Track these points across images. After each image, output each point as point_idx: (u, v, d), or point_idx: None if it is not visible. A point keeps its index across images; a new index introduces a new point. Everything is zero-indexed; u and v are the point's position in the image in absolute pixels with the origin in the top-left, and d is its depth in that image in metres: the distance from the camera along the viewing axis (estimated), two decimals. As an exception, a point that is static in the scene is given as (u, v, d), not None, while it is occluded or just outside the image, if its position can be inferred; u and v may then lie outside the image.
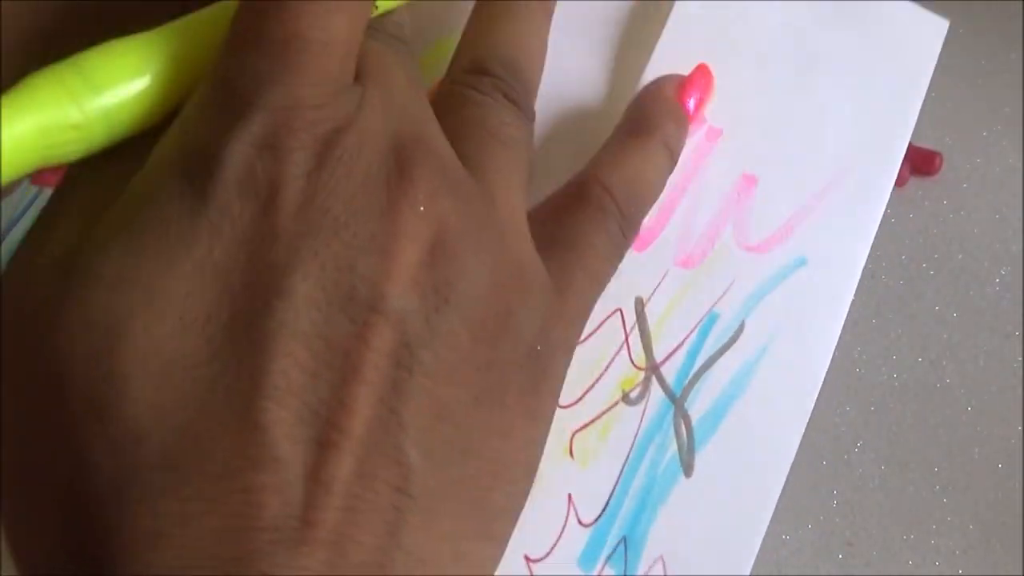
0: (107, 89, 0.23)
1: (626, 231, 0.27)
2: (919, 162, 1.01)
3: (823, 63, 0.34)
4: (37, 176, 0.39)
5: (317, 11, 0.22)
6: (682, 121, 0.30)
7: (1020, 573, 0.84)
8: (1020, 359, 0.91)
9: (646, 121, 0.30)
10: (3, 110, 0.21)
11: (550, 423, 0.24)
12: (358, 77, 0.24)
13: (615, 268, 0.27)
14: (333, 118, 0.22)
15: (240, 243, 0.21)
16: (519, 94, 0.27)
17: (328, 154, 0.22)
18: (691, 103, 0.31)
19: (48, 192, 0.68)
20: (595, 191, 0.27)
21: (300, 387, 0.20)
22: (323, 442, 0.20)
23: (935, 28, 0.34)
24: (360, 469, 0.20)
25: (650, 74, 0.33)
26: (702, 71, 0.32)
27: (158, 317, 0.21)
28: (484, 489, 0.22)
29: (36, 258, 0.23)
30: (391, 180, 0.22)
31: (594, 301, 0.26)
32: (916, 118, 0.34)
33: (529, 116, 0.27)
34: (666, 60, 0.34)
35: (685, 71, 0.31)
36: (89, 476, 0.20)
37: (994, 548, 0.82)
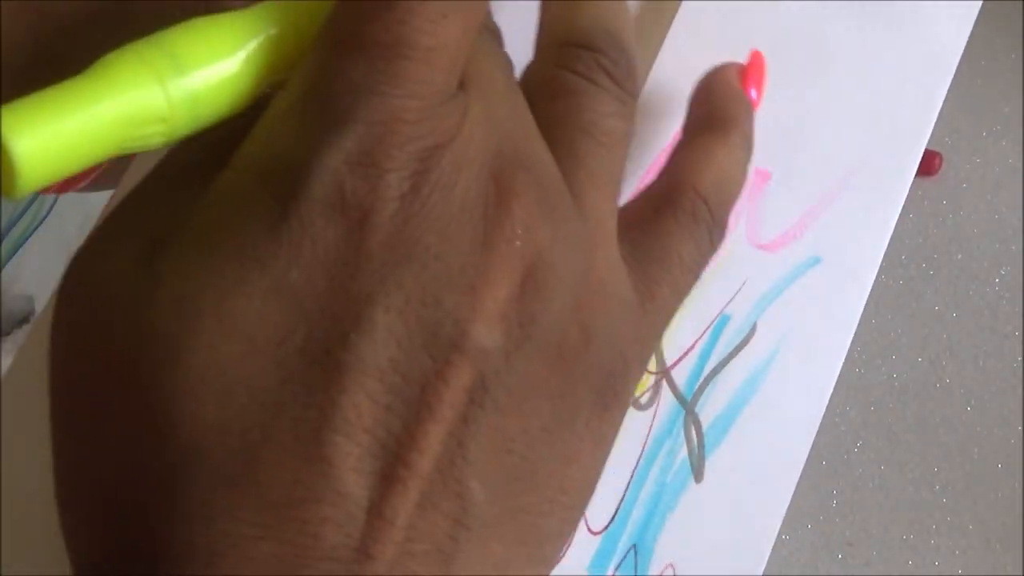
0: (194, 71, 0.21)
1: (715, 238, 0.25)
2: (919, 162, 1.00)
3: (841, 55, 0.33)
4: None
5: (428, 14, 0.21)
6: (752, 112, 0.29)
7: (1020, 573, 0.84)
8: (1020, 359, 0.91)
9: (723, 115, 0.27)
10: (82, 91, 0.20)
11: (613, 443, 0.24)
12: (459, 83, 0.22)
13: (699, 278, 0.26)
14: (433, 134, 0.21)
15: (321, 266, 0.20)
16: (625, 72, 0.24)
17: (425, 176, 0.20)
18: (753, 93, 0.30)
19: (48, 198, 0.68)
20: (687, 196, 0.25)
21: (371, 422, 0.20)
22: (389, 477, 0.20)
23: (964, 10, 0.33)
24: (422, 503, 0.20)
25: (657, 73, 0.33)
26: (757, 59, 0.31)
27: (226, 336, 0.20)
28: (541, 515, 0.22)
29: (111, 249, 0.22)
30: (488, 209, 0.21)
31: (673, 315, 0.25)
32: (939, 108, 0.33)
33: (635, 97, 0.25)
34: (673, 58, 0.34)
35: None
36: (145, 485, 0.20)
37: (994, 548, 0.82)
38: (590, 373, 0.22)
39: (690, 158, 0.26)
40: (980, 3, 0.34)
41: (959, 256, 0.96)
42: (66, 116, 0.19)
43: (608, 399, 0.22)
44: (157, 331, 0.20)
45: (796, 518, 0.87)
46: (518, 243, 0.21)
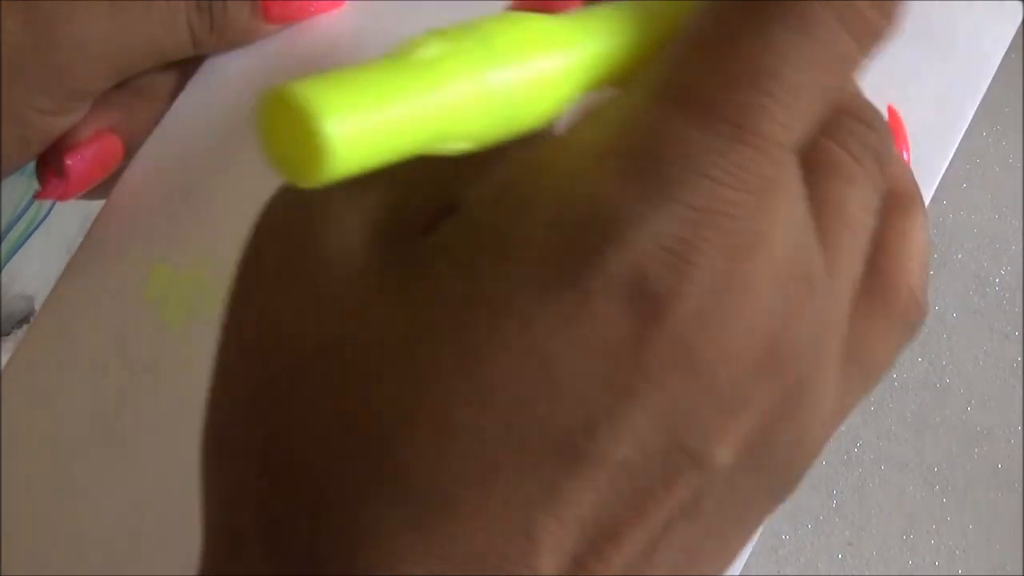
0: (515, 69, 0.18)
1: (918, 330, 0.23)
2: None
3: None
4: (43, 193, 0.39)
5: (792, 100, 0.18)
6: None
7: (1020, 573, 0.84)
8: (1020, 359, 0.91)
9: (906, 191, 0.24)
10: (402, 77, 0.17)
11: None
12: None
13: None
14: (749, 234, 0.18)
15: (590, 349, 0.18)
16: (889, 155, 0.22)
17: (729, 282, 0.18)
18: (905, 155, 0.28)
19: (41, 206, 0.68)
20: (902, 296, 0.23)
21: (587, 512, 0.18)
22: (582, 565, 0.19)
23: (1003, 25, 0.32)
24: None
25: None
26: (896, 117, 0.30)
27: (466, 379, 0.18)
28: None
29: (337, 219, 0.19)
30: (775, 334, 0.19)
31: None
32: (961, 136, 0.31)
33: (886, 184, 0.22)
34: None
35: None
36: (331, 497, 0.19)
37: (994, 548, 0.82)
38: (785, 483, 0.21)
39: (894, 249, 0.23)
40: (1021, 20, 0.33)
41: (959, 256, 0.96)
42: (384, 103, 0.16)
43: (780, 496, 0.22)
44: (389, 346, 0.19)
45: (796, 518, 0.87)
46: (789, 377, 0.19)
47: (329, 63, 0.37)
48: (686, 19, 0.19)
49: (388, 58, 0.17)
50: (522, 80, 0.18)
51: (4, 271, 0.67)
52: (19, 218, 0.67)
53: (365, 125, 0.16)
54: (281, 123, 0.16)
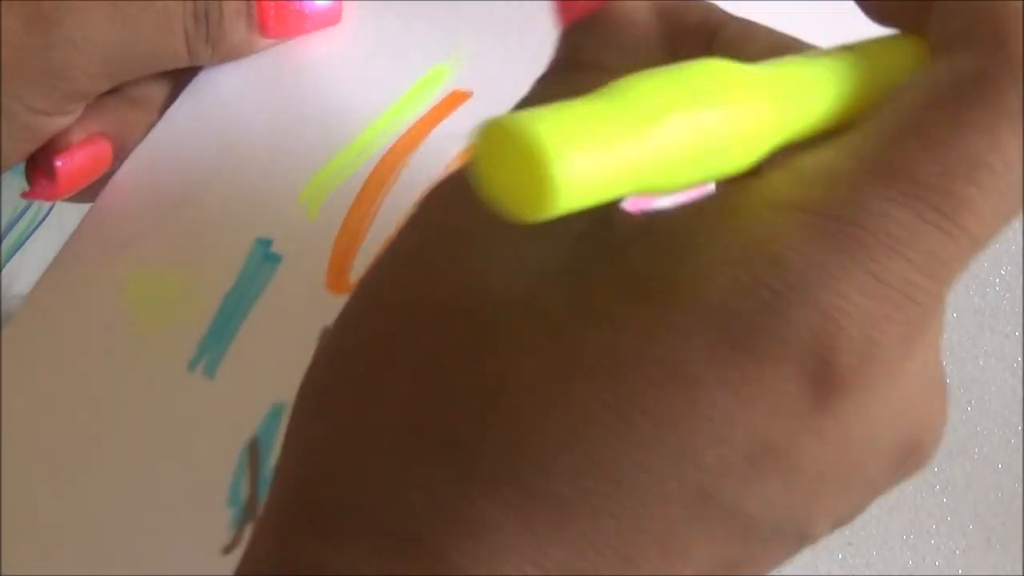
0: (725, 111, 0.17)
1: None
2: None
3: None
4: (31, 192, 0.39)
5: (1001, 193, 0.18)
6: None
7: (1020, 573, 0.84)
8: (1020, 359, 0.91)
9: None
10: (626, 119, 0.16)
11: None
12: None
13: None
14: (922, 323, 0.18)
15: (753, 401, 0.17)
16: None
17: (895, 376, 0.18)
18: None
19: (40, 207, 0.68)
20: None
21: (683, 556, 0.19)
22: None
23: None
24: None
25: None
26: None
27: (609, 420, 0.18)
28: None
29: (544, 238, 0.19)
30: (915, 432, 0.20)
31: None
32: None
33: None
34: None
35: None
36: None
37: (994, 548, 0.82)
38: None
39: None
40: None
41: (959, 256, 0.95)
42: (609, 145, 0.16)
43: None
44: (559, 375, 0.19)
45: (795, 518, 0.87)
46: (909, 473, 0.21)
47: (323, 79, 0.38)
48: (897, 89, 0.19)
49: (605, 94, 0.17)
50: (731, 128, 0.17)
51: (4, 271, 0.67)
52: (19, 218, 0.68)
53: (591, 168, 0.16)
54: (504, 155, 0.15)
